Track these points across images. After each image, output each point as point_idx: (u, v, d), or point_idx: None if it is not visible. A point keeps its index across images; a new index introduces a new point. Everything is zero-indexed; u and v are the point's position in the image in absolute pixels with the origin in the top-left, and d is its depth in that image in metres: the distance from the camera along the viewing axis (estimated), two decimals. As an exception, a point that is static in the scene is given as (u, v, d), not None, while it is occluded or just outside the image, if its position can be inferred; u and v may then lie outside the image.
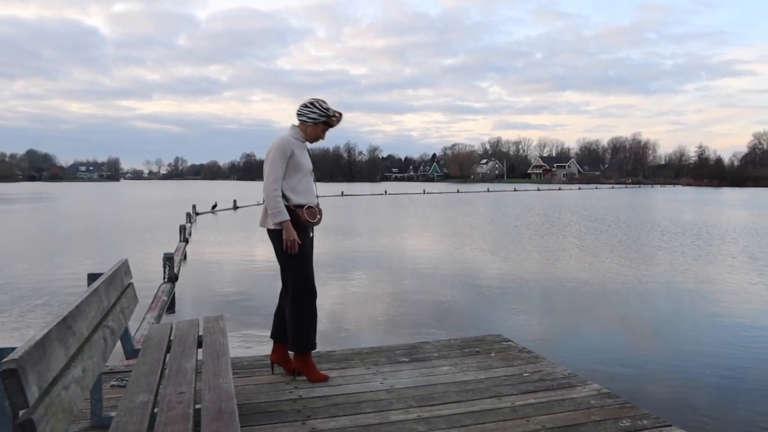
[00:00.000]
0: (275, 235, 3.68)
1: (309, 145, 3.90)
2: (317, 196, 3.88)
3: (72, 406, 1.70)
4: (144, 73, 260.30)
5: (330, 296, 9.32)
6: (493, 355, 4.30)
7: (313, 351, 3.82)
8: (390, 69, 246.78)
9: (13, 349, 1.59)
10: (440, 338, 5.29)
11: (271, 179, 3.60)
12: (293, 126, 3.81)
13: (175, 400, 2.18)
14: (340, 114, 3.80)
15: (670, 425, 3.10)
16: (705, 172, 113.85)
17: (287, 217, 3.59)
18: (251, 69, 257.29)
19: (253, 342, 6.62)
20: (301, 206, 3.68)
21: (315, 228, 3.86)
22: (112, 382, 3.64)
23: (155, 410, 2.15)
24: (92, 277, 2.82)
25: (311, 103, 3.76)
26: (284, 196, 3.65)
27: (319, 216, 3.78)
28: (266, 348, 6.25)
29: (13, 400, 1.39)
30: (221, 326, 3.29)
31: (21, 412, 1.49)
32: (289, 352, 3.79)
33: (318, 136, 3.81)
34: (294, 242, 3.59)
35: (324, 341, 6.57)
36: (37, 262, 12.97)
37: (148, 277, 9.99)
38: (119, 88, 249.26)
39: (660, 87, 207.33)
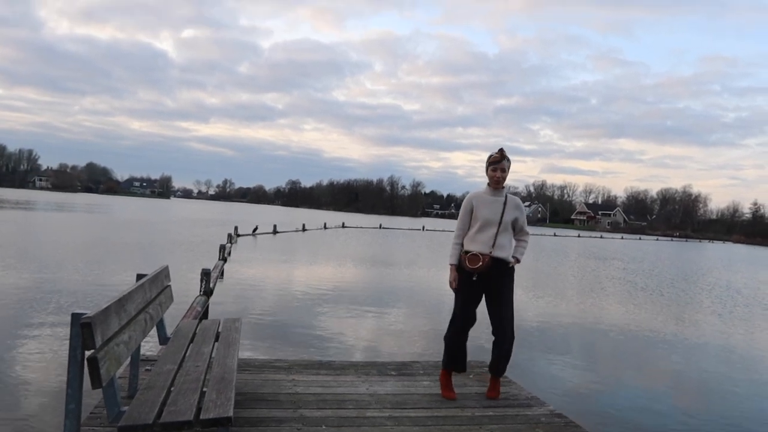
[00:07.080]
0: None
1: (503, 198, 4.38)
2: (493, 246, 4.26)
3: (120, 358, 2.46)
4: (204, 97, 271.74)
5: (341, 319, 10.00)
6: (471, 376, 4.90)
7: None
8: (443, 106, 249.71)
9: (85, 314, 2.37)
10: (431, 359, 5.89)
11: (456, 227, 4.44)
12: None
13: (192, 369, 2.92)
14: (499, 149, 4.37)
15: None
16: (758, 230, 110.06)
17: (454, 262, 4.37)
18: (307, 99, 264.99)
19: (267, 348, 7.52)
20: (467, 253, 4.30)
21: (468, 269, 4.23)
22: (147, 367, 4.42)
23: (177, 375, 2.89)
24: (140, 276, 3.63)
25: None
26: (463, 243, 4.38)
27: (480, 263, 4.22)
28: (277, 353, 7.06)
29: (86, 342, 2.16)
30: (237, 326, 4.05)
31: (88, 353, 2.25)
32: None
33: (495, 177, 4.34)
34: (451, 283, 4.37)
35: (324, 352, 7.33)
36: (91, 266, 14.15)
37: (186, 289, 10.90)
38: (179, 110, 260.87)
39: (719, 140, 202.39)
